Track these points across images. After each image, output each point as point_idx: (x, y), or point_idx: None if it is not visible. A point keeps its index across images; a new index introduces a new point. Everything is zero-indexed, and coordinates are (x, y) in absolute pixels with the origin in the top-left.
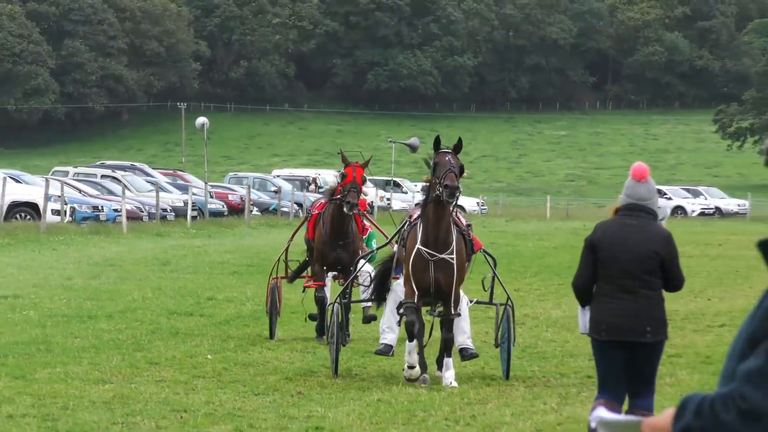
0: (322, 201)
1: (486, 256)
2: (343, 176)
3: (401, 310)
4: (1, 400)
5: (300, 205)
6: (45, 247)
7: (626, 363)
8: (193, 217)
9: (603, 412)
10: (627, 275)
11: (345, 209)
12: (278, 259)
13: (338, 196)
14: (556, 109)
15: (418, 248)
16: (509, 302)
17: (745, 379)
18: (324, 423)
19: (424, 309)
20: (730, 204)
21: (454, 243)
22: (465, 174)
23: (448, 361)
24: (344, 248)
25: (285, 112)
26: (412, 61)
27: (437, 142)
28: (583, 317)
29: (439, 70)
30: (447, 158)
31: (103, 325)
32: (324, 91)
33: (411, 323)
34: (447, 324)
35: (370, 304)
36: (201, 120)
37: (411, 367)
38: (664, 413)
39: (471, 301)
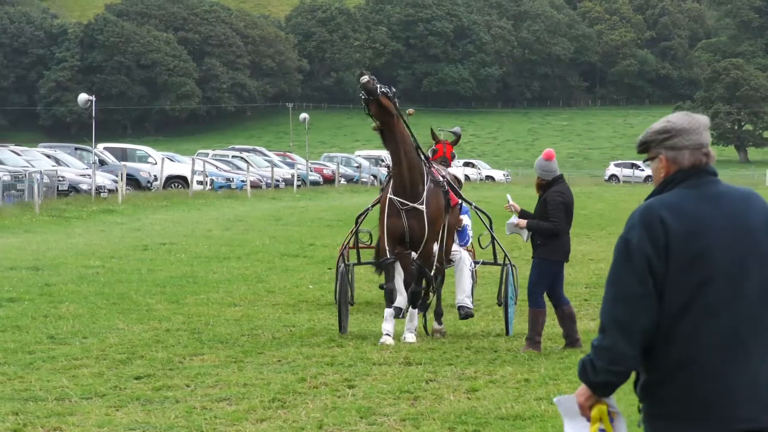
0: None
1: (479, 213)
2: (434, 152)
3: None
4: (161, 318)
5: (375, 176)
6: (192, 207)
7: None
8: (298, 186)
9: (559, 397)
10: (571, 222)
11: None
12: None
13: None
14: (559, 105)
15: (390, 197)
16: (507, 260)
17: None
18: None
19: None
20: None
21: (425, 193)
22: (411, 112)
23: (413, 313)
24: None
25: (363, 109)
26: (455, 71)
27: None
28: (514, 228)
29: (475, 78)
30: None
31: (234, 263)
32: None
33: (390, 291)
34: (418, 278)
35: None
36: (303, 115)
37: (387, 335)
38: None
39: (475, 263)
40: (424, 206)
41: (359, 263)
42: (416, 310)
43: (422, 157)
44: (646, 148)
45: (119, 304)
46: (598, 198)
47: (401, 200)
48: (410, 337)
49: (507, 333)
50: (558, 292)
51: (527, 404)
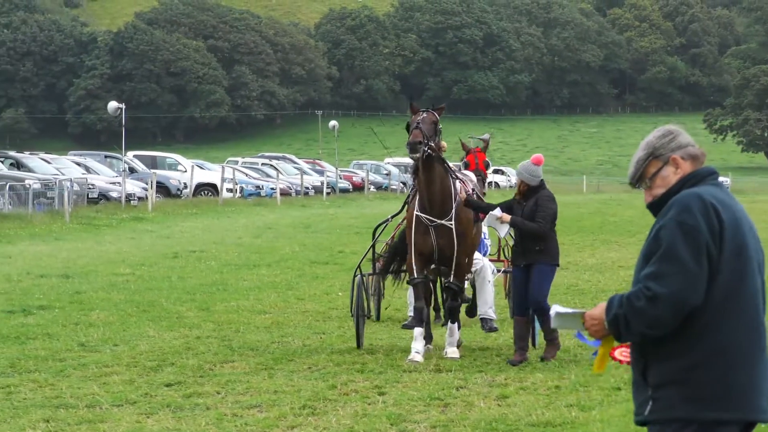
0: None
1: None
2: (465, 165)
3: (411, 290)
4: (191, 325)
5: (404, 183)
6: (222, 215)
7: None
8: (328, 193)
9: (558, 308)
10: None
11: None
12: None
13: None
14: (589, 112)
15: (417, 215)
16: None
17: (645, 278)
18: None
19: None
20: None
21: (453, 209)
22: (444, 145)
23: (453, 328)
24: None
25: (392, 116)
26: (484, 79)
27: (411, 105)
28: (494, 221)
29: (504, 85)
30: (419, 117)
31: (264, 271)
32: (420, 102)
33: (419, 309)
34: (452, 293)
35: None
36: (332, 123)
37: (417, 352)
38: (598, 306)
39: (497, 271)
40: (453, 222)
41: (374, 273)
42: (456, 324)
43: (452, 175)
44: (653, 157)
45: (149, 312)
46: (627, 205)
47: (429, 217)
48: (452, 352)
49: (533, 345)
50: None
51: (558, 411)
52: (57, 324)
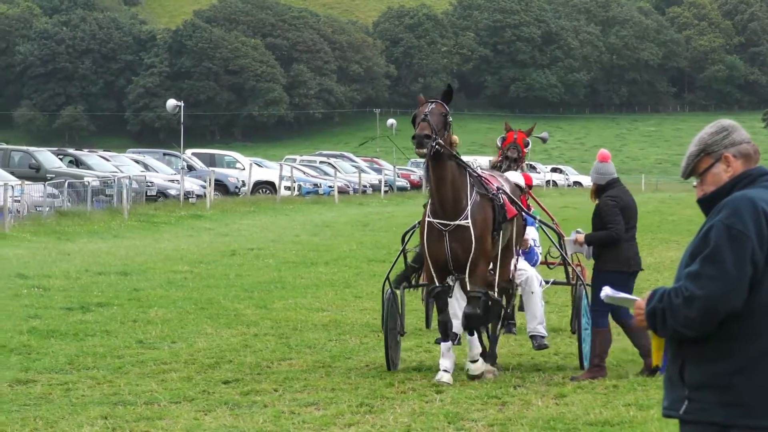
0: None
1: (543, 228)
2: (503, 139)
3: (435, 301)
4: (249, 323)
5: None
6: (279, 213)
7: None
8: (386, 191)
9: (609, 290)
10: (634, 226)
11: (503, 167)
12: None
13: (498, 160)
14: (647, 111)
15: (429, 221)
16: (579, 282)
17: (686, 277)
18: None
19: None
20: None
21: (468, 207)
22: (455, 139)
23: (471, 341)
24: None
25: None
26: (542, 77)
27: (419, 97)
28: (573, 245)
29: (562, 83)
30: (426, 108)
31: (322, 269)
32: (478, 100)
33: (444, 323)
34: (471, 300)
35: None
36: (390, 121)
37: (445, 371)
38: (644, 296)
39: (546, 282)
40: (469, 221)
41: (409, 286)
42: (474, 336)
43: (468, 169)
44: (705, 153)
45: (207, 309)
46: (687, 204)
47: (441, 222)
48: (474, 369)
49: (581, 367)
50: (621, 309)
51: (616, 410)
52: (115, 321)
